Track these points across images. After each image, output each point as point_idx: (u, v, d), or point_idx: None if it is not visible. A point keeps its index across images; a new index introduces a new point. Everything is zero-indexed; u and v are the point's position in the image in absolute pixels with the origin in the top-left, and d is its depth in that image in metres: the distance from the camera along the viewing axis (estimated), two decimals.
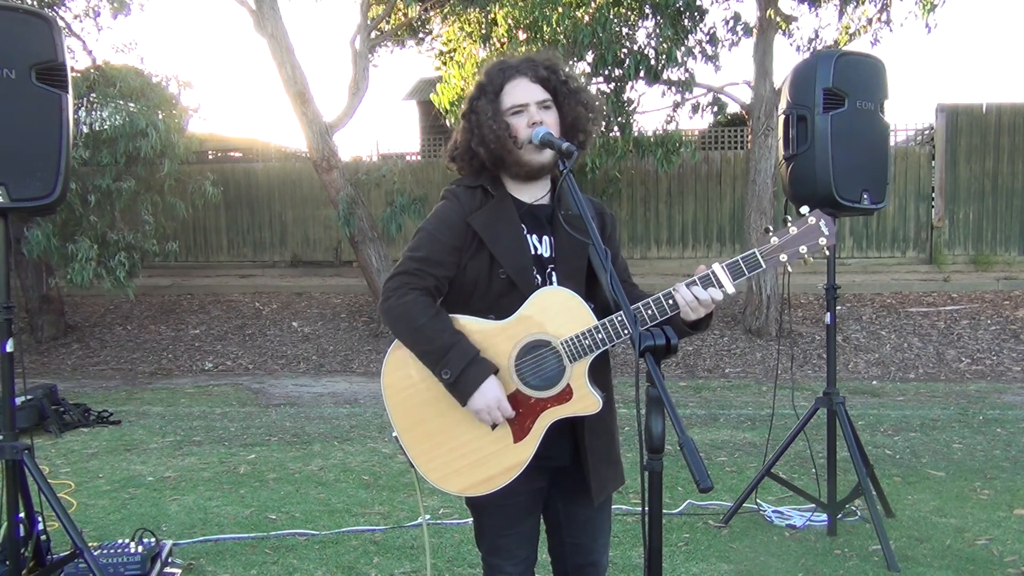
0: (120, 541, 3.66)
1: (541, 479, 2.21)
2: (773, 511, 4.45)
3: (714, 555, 3.91)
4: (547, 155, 2.11)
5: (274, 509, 4.67)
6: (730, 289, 1.99)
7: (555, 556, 2.35)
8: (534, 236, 2.17)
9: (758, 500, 4.53)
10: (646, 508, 1.87)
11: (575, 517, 2.26)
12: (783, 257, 2.00)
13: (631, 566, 3.76)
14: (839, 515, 4.22)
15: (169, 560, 3.76)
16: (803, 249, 2.01)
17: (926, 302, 10.90)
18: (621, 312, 1.97)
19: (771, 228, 2.05)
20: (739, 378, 9.17)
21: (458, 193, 2.18)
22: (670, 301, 2.01)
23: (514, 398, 2.08)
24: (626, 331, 1.99)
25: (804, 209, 2.04)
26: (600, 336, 2.02)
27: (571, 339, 2.04)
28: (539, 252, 2.16)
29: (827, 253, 2.02)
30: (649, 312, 2.02)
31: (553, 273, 2.15)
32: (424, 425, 2.14)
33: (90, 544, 3.34)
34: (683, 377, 9.26)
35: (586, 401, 2.06)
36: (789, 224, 2.03)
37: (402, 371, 2.16)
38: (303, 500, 4.83)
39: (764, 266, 2.00)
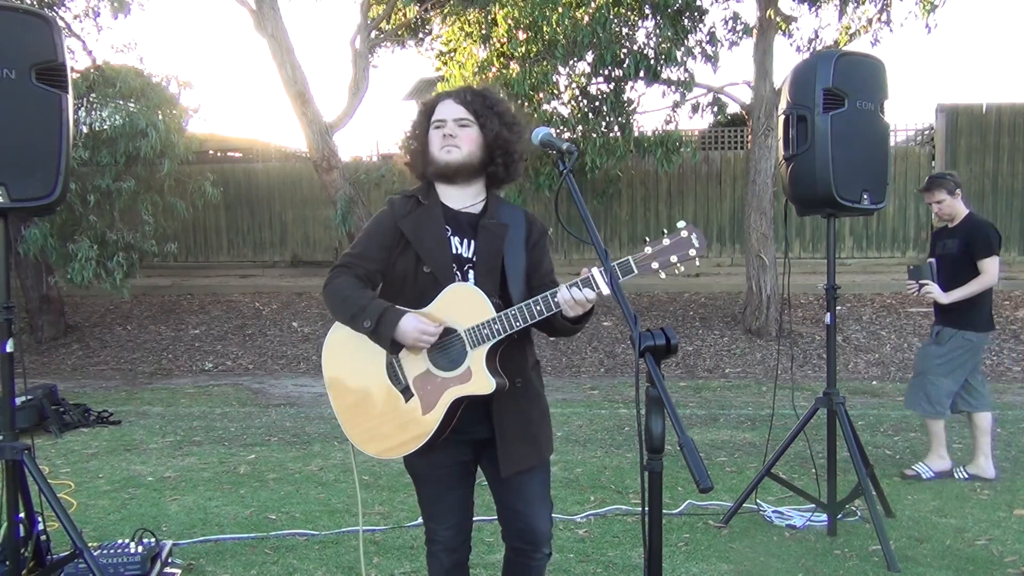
0: (120, 541, 3.66)
1: (465, 452, 2.51)
2: (773, 511, 4.45)
3: (714, 555, 3.91)
4: (459, 156, 2.42)
5: (274, 509, 4.67)
6: (605, 291, 2.19)
7: (501, 524, 2.61)
8: (456, 238, 2.46)
9: (758, 500, 4.53)
10: (646, 508, 1.88)
11: (507, 485, 2.49)
12: (655, 265, 2.18)
13: (631, 566, 3.77)
14: (839, 515, 4.22)
15: (169, 560, 3.76)
16: (673, 259, 2.17)
17: (926, 302, 10.89)
18: (513, 307, 2.29)
19: (648, 239, 2.22)
20: (739, 378, 9.17)
21: (394, 201, 2.54)
22: (555, 299, 2.24)
23: (425, 376, 2.39)
24: (518, 323, 2.27)
25: (680, 223, 2.20)
26: (496, 327, 2.29)
27: (473, 328, 2.32)
28: (459, 252, 2.45)
29: (697, 263, 2.21)
30: (538, 308, 2.27)
31: (471, 271, 2.44)
32: (351, 396, 2.51)
33: (90, 544, 3.33)
34: (683, 377, 9.26)
35: (481, 383, 2.32)
36: (664, 235, 2.19)
37: (337, 350, 2.53)
38: (303, 500, 4.83)
39: (636, 271, 2.18)
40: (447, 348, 2.36)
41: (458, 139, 2.43)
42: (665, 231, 2.20)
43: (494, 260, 2.43)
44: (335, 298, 2.45)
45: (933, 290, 4.91)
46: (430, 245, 2.42)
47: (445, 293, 2.36)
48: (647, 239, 2.22)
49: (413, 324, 2.31)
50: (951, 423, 6.70)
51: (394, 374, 2.42)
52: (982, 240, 4.91)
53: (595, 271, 2.20)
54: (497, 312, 2.30)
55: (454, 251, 2.44)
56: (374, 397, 2.45)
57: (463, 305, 2.34)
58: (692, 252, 2.16)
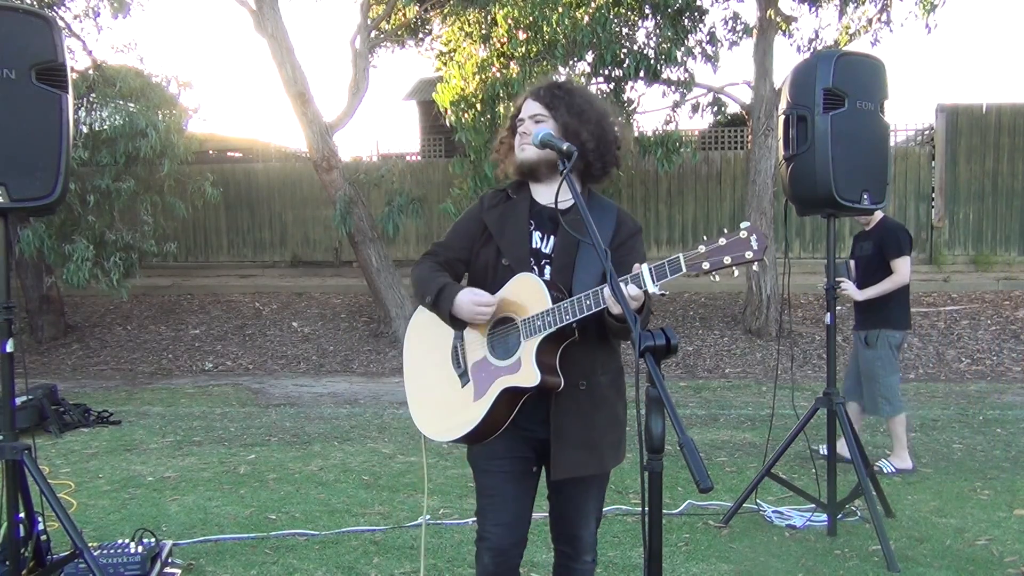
0: (120, 541, 3.66)
1: (524, 449, 2.45)
2: (773, 511, 4.45)
3: (714, 555, 3.91)
4: (533, 153, 2.41)
5: (274, 509, 4.67)
6: (651, 288, 2.13)
7: (549, 522, 2.59)
8: (538, 233, 2.46)
9: (758, 500, 4.53)
10: (646, 508, 1.88)
11: (561, 491, 2.47)
12: (705, 265, 2.08)
13: (631, 566, 3.77)
14: (839, 515, 4.22)
15: (169, 560, 3.76)
16: (727, 260, 2.07)
17: (926, 302, 10.90)
18: (567, 300, 2.25)
19: (705, 238, 2.14)
20: (739, 378, 9.17)
21: (484, 196, 2.60)
22: (604, 293, 2.18)
23: (481, 363, 2.41)
24: (568, 316, 2.23)
25: (744, 224, 2.11)
26: (548, 319, 2.26)
27: (528, 318, 2.31)
28: (538, 247, 2.45)
29: (755, 268, 2.13)
30: (588, 302, 2.20)
31: (547, 266, 2.43)
32: (420, 378, 2.60)
33: (90, 544, 3.33)
34: (683, 377, 9.26)
35: (528, 375, 2.28)
36: (722, 235, 2.11)
37: (417, 329, 2.63)
38: (303, 500, 4.83)
39: (684, 270, 2.10)
40: (505, 337, 2.36)
41: (532, 135, 2.41)
42: (725, 230, 2.13)
43: (569, 256, 2.40)
44: (414, 280, 2.52)
45: (849, 288, 5.15)
46: (510, 238, 2.45)
47: (511, 283, 2.38)
48: (705, 237, 2.13)
49: (468, 297, 2.34)
50: (952, 424, 6.70)
51: (456, 358, 2.45)
52: (893, 242, 5.21)
53: (644, 268, 2.14)
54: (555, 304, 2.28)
55: (534, 245, 2.44)
56: (437, 379, 2.50)
57: (524, 295, 2.33)
58: (749, 255, 2.05)
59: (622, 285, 2.12)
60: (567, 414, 2.36)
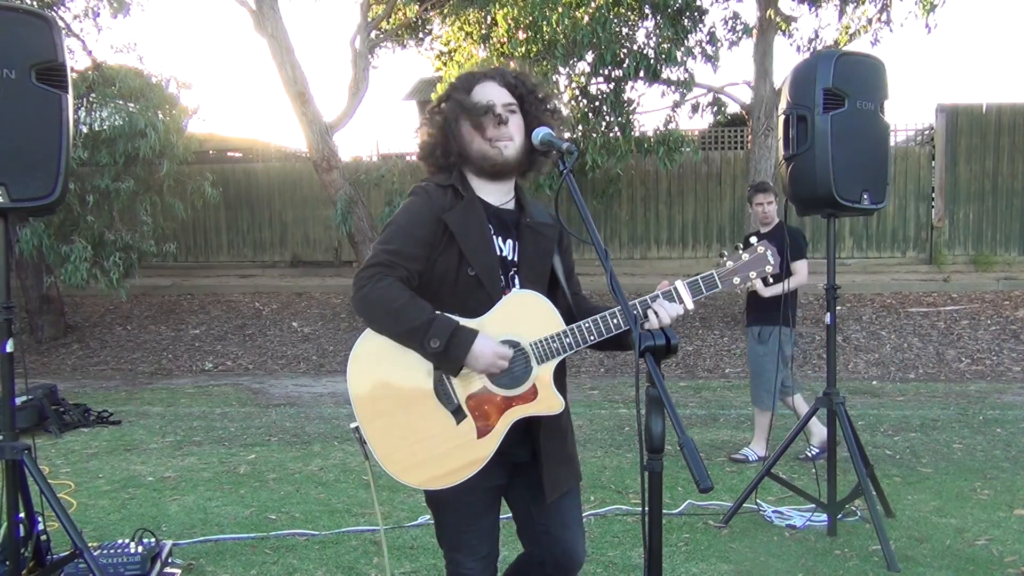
0: (120, 541, 3.66)
1: (500, 476, 2.25)
2: (773, 511, 4.45)
3: (714, 555, 3.91)
4: (515, 151, 2.19)
5: (274, 509, 4.67)
6: (690, 305, 2.15)
7: (533, 548, 2.37)
8: (499, 238, 2.22)
9: (758, 500, 4.53)
10: (646, 508, 1.87)
11: (546, 509, 2.28)
12: (736, 280, 2.23)
13: (631, 566, 3.76)
14: (839, 515, 4.22)
15: (169, 560, 3.76)
16: (752, 274, 2.25)
17: (926, 302, 10.90)
18: (587, 320, 2.11)
19: (724, 253, 2.25)
20: (739, 378, 9.16)
21: (429, 190, 2.20)
22: (635, 312, 2.08)
23: (481, 395, 2.13)
24: (592, 337, 2.11)
25: (753, 239, 2.27)
26: (568, 340, 2.11)
27: (540, 341, 2.12)
28: (503, 254, 2.22)
29: (771, 281, 2.32)
30: (615, 321, 2.10)
31: (516, 276, 2.22)
32: (388, 417, 2.16)
33: (90, 544, 3.33)
34: (683, 377, 9.26)
35: (550, 401, 2.15)
36: (741, 251, 2.25)
37: (369, 362, 2.17)
38: (303, 500, 4.83)
39: (720, 287, 2.21)
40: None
41: (509, 129, 2.18)
42: (740, 246, 2.24)
43: (542, 264, 2.22)
44: (383, 306, 2.06)
45: (757, 284, 5.27)
46: (475, 244, 2.15)
47: (507, 301, 2.13)
48: (724, 253, 2.27)
49: (490, 348, 2.05)
50: (952, 424, 6.71)
51: (444, 392, 2.12)
52: (794, 244, 5.36)
53: (679, 284, 2.10)
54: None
55: (498, 252, 2.20)
56: (419, 419, 2.13)
57: (527, 315, 2.12)
58: (768, 268, 2.24)
59: (660, 302, 2.12)
60: (552, 432, 2.23)
